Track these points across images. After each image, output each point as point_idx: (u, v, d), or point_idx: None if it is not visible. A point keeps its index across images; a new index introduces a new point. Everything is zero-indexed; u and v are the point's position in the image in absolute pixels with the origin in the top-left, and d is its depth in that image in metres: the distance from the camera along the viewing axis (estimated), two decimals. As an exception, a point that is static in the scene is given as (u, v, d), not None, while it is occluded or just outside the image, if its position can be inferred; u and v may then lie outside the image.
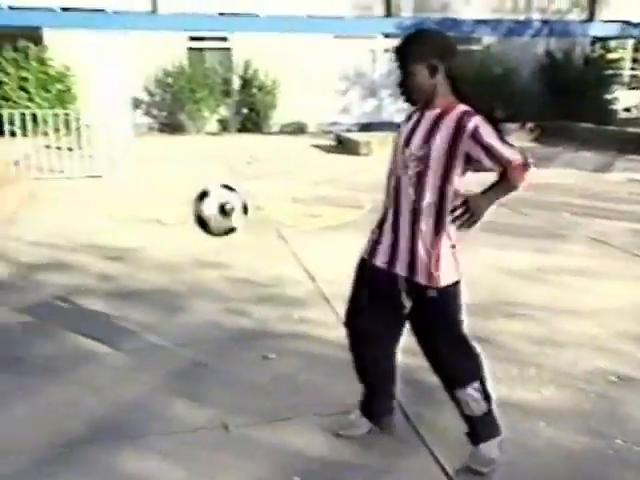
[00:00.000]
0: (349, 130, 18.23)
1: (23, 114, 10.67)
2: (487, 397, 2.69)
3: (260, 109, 18.51)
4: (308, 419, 3.10)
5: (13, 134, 10.72)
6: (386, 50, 19.27)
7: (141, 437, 2.97)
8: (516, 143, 2.56)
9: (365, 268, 2.74)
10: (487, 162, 2.44)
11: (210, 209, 3.04)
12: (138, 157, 12.04)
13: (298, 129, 18.63)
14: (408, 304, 2.62)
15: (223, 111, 18.67)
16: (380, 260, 2.65)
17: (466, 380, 2.66)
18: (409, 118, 2.64)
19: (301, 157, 13.21)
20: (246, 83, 18.55)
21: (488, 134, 2.41)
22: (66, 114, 11.36)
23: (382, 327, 2.78)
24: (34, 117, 10.99)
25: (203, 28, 18.33)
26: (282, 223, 7.11)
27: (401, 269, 2.58)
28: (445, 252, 2.53)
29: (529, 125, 16.64)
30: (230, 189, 3.14)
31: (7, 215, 7.48)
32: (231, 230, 3.16)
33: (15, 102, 14.59)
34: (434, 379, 2.79)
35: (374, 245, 2.70)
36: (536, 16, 20.20)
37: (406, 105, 2.62)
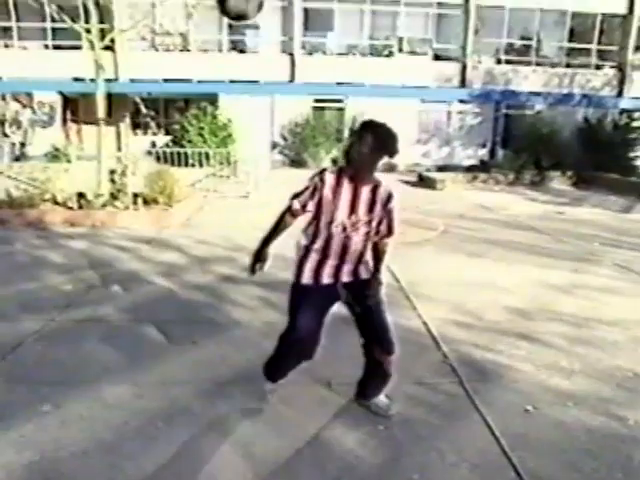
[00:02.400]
0: (428, 170, 17.90)
1: (200, 152, 11.28)
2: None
3: (363, 152, 18.54)
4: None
5: (193, 165, 11.37)
6: (459, 112, 18.88)
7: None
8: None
9: (310, 289, 2.62)
10: (384, 228, 2.56)
11: None
12: (274, 182, 12.39)
13: (390, 167, 18.46)
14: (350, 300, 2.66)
15: (335, 152, 18.88)
16: (326, 279, 2.59)
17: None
18: (338, 184, 2.48)
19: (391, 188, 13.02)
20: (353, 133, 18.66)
21: (396, 211, 2.55)
22: (227, 152, 11.90)
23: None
24: (207, 154, 11.59)
25: (325, 93, 18.64)
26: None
27: (347, 278, 2.60)
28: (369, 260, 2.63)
29: (568, 173, 15.78)
30: None
31: (184, 221, 7.93)
32: (243, 17, 2.68)
33: (195, 144, 15.44)
34: (487, 363, 2.71)
35: (318, 269, 2.59)
36: (577, 90, 19.15)
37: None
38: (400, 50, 18.99)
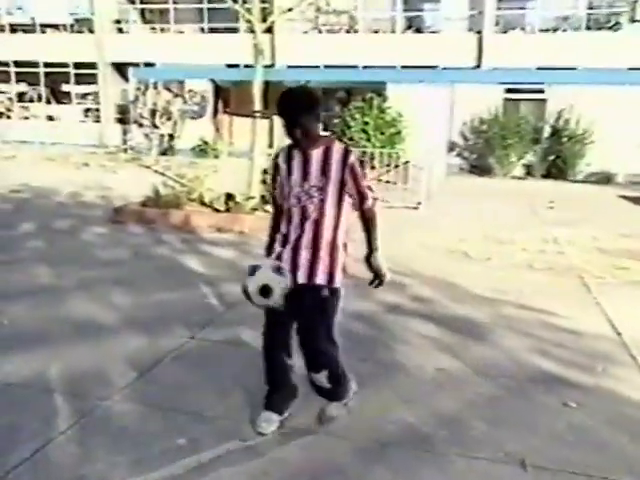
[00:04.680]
0: (665, 183, 16.05)
1: (364, 152, 11.51)
2: None
3: (567, 157, 17.39)
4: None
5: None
6: None
7: (442, 455, 2.89)
8: None
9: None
10: (352, 190, 2.77)
11: (253, 286, 2.81)
12: (449, 193, 12.15)
13: (604, 178, 17.03)
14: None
15: (530, 157, 17.95)
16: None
17: None
18: (290, 157, 2.83)
19: (607, 206, 11.94)
20: (556, 132, 17.61)
21: (360, 168, 2.77)
22: (396, 154, 11.97)
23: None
24: (372, 155, 11.80)
25: (521, 81, 17.88)
26: (587, 271, 6.49)
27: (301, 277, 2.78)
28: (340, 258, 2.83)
29: None
30: (278, 271, 2.78)
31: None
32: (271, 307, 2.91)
33: (356, 142, 15.85)
34: None
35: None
36: None
37: None
38: (632, 20, 17.39)
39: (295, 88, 2.87)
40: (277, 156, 2.91)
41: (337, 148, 2.78)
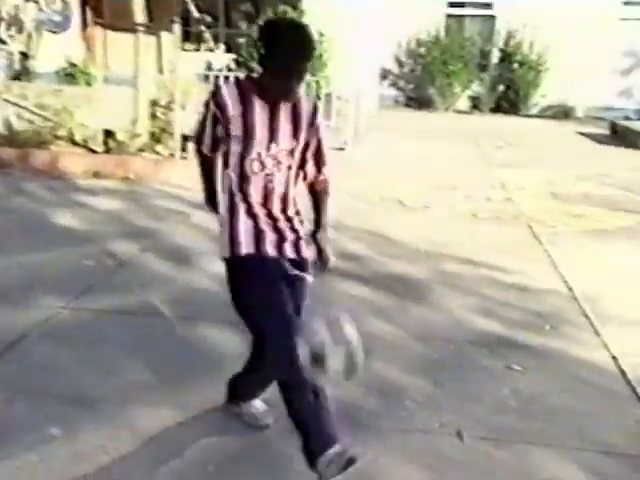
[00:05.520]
0: (628, 118, 16.94)
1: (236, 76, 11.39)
2: None
3: (519, 87, 17.99)
4: (559, 451, 2.96)
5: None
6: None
7: (371, 428, 3.05)
8: None
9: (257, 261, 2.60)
10: (310, 154, 2.67)
11: (303, 350, 2.52)
12: (382, 131, 12.35)
13: (562, 113, 17.78)
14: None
15: (477, 87, 18.44)
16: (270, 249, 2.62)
17: None
18: (246, 103, 2.52)
19: (564, 146, 12.62)
20: (506, 57, 18.10)
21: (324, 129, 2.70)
22: (316, 82, 11.94)
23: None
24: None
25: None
26: (537, 220, 6.85)
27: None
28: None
29: None
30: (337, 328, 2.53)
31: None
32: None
33: (267, 66, 15.59)
34: None
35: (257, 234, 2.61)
36: None
37: None
38: None
39: (299, 22, 2.66)
40: (219, 94, 2.55)
41: (306, 102, 2.63)
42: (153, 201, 6.84)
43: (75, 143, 8.18)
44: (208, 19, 19.20)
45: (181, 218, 6.34)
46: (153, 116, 8.41)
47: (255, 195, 2.59)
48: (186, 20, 18.99)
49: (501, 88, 18.25)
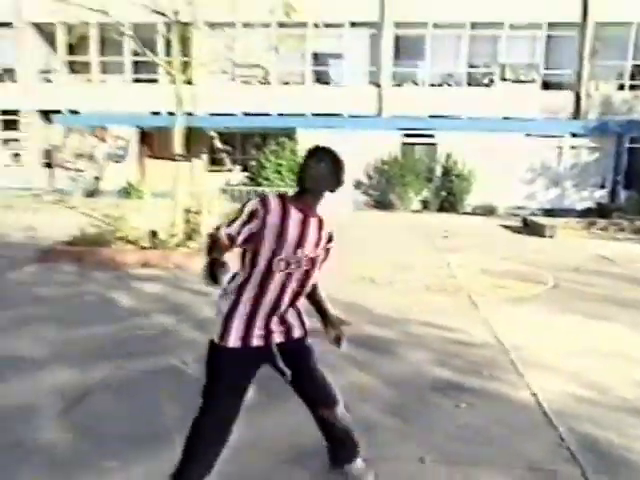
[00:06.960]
0: (533, 214, 17.31)
1: (277, 191, 11.67)
2: None
3: (456, 193, 18.35)
4: (498, 469, 2.91)
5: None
6: (572, 147, 18.29)
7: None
8: None
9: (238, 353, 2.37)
10: (319, 264, 2.48)
11: None
12: (356, 226, 12.50)
13: (488, 211, 18.10)
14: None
15: (426, 193, 18.79)
16: (256, 340, 2.39)
17: None
18: (285, 212, 2.30)
19: (490, 235, 12.77)
20: (446, 171, 18.56)
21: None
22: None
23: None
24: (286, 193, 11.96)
25: (416, 128, 18.81)
26: (474, 291, 6.89)
27: (279, 337, 2.45)
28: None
29: None
30: None
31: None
32: None
33: (272, 181, 15.99)
34: (614, 449, 2.48)
35: (248, 327, 2.36)
36: None
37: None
38: (503, 78, 18.88)
39: (323, 147, 2.39)
40: (265, 202, 2.30)
41: (327, 224, 2.47)
42: (187, 285, 6.85)
43: (129, 242, 8.24)
44: (228, 148, 19.69)
45: (208, 298, 6.34)
46: (187, 220, 8.53)
47: (269, 295, 2.36)
48: (212, 149, 19.53)
49: (443, 194, 18.60)
